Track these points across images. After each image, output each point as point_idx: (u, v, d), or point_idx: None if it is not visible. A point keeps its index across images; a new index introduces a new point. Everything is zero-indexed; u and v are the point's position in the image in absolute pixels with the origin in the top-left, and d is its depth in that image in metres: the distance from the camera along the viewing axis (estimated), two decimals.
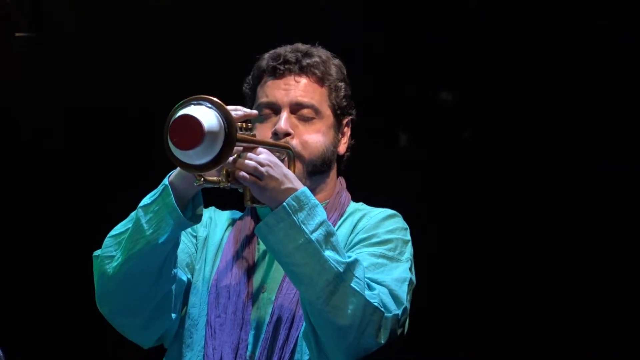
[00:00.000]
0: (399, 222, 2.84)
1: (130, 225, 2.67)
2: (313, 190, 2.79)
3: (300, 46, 2.84)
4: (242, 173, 2.51)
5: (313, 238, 2.53)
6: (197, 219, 2.66)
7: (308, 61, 2.81)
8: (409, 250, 2.80)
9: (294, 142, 2.77)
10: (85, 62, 4.75)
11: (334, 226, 2.80)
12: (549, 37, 4.47)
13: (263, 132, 2.79)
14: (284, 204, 2.53)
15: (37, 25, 4.76)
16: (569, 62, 4.47)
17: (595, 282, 4.48)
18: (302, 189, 2.57)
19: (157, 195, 2.63)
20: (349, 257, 2.58)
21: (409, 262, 2.78)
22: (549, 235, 4.54)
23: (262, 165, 2.52)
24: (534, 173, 4.56)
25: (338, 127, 2.87)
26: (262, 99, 2.81)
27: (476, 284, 4.60)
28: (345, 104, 2.87)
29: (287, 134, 2.77)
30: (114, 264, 2.66)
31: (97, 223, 4.82)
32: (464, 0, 4.54)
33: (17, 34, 4.78)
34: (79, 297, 3.77)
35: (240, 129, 2.53)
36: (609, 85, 4.44)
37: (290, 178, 2.56)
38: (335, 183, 2.91)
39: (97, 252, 2.75)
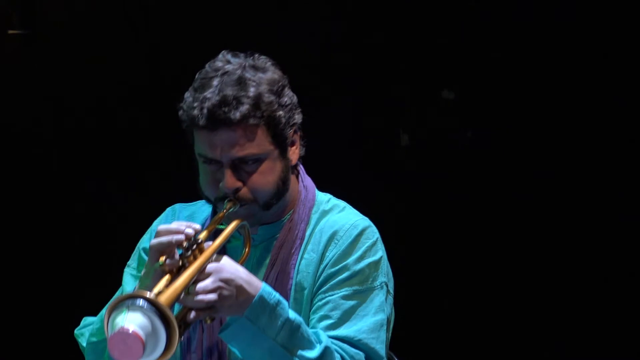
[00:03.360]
0: (368, 237, 2.74)
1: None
2: (275, 212, 2.72)
3: (228, 90, 2.59)
4: (194, 313, 2.45)
5: (279, 342, 2.51)
6: None
7: (237, 114, 2.58)
8: (382, 271, 2.72)
9: (244, 192, 2.66)
10: (79, 59, 4.73)
11: (302, 241, 2.73)
12: (549, 36, 4.44)
13: (211, 180, 2.68)
14: (244, 316, 2.50)
15: (30, 22, 4.74)
16: (570, 61, 4.45)
17: (595, 284, 4.49)
18: (259, 292, 2.50)
19: None
20: (319, 342, 2.56)
21: (384, 286, 2.71)
22: (551, 235, 4.53)
23: (213, 291, 2.45)
24: (534, 172, 4.54)
25: (284, 149, 2.73)
26: (201, 151, 2.67)
27: (478, 283, 4.60)
28: (287, 128, 2.68)
29: (236, 190, 2.68)
30: None
31: (93, 222, 4.87)
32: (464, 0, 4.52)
33: (9, 31, 4.76)
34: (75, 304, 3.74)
35: (187, 249, 2.46)
36: (609, 84, 4.42)
37: (245, 286, 2.49)
38: (296, 192, 2.81)
39: (81, 341, 2.71)
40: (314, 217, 2.77)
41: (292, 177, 2.76)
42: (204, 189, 2.67)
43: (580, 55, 4.44)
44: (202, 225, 2.81)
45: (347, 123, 4.62)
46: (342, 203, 2.82)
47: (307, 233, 2.75)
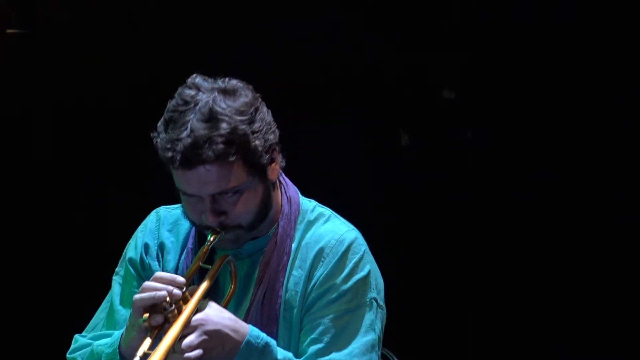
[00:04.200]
0: (354, 251, 2.72)
1: None
2: (260, 230, 2.72)
3: (200, 130, 2.55)
4: None
5: None
6: None
7: (211, 154, 2.56)
8: (370, 286, 2.71)
9: (227, 220, 2.64)
10: (79, 59, 4.72)
11: (289, 257, 2.72)
12: (549, 36, 4.44)
13: (192, 210, 2.67)
14: None
15: (29, 22, 4.73)
16: (570, 61, 4.44)
17: (595, 284, 4.50)
18: (246, 338, 2.54)
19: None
20: None
21: (373, 302, 2.71)
22: (550, 235, 4.53)
23: (198, 346, 2.47)
24: (534, 172, 4.54)
25: (263, 174, 2.72)
26: (180, 186, 2.64)
27: (478, 283, 4.60)
28: (264, 155, 2.64)
29: (220, 222, 2.67)
30: None
31: (92, 222, 4.87)
32: None
33: (8, 31, 4.75)
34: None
35: (171, 303, 2.47)
36: (609, 84, 4.41)
37: (231, 334, 2.52)
38: (279, 206, 2.80)
39: None
40: (299, 228, 2.76)
41: (275, 191, 2.74)
42: (187, 215, 2.67)
43: (580, 55, 4.43)
44: (188, 233, 2.81)
45: (347, 123, 4.61)
46: (327, 211, 2.80)
47: (293, 247, 2.74)
